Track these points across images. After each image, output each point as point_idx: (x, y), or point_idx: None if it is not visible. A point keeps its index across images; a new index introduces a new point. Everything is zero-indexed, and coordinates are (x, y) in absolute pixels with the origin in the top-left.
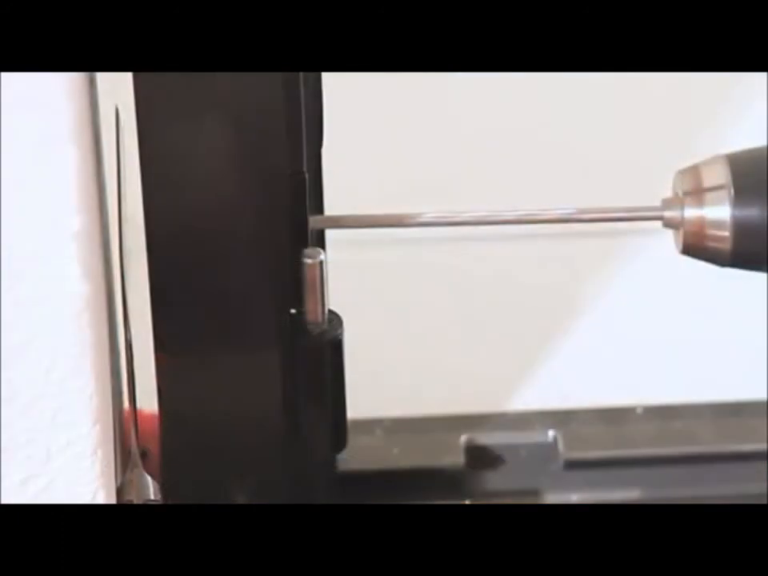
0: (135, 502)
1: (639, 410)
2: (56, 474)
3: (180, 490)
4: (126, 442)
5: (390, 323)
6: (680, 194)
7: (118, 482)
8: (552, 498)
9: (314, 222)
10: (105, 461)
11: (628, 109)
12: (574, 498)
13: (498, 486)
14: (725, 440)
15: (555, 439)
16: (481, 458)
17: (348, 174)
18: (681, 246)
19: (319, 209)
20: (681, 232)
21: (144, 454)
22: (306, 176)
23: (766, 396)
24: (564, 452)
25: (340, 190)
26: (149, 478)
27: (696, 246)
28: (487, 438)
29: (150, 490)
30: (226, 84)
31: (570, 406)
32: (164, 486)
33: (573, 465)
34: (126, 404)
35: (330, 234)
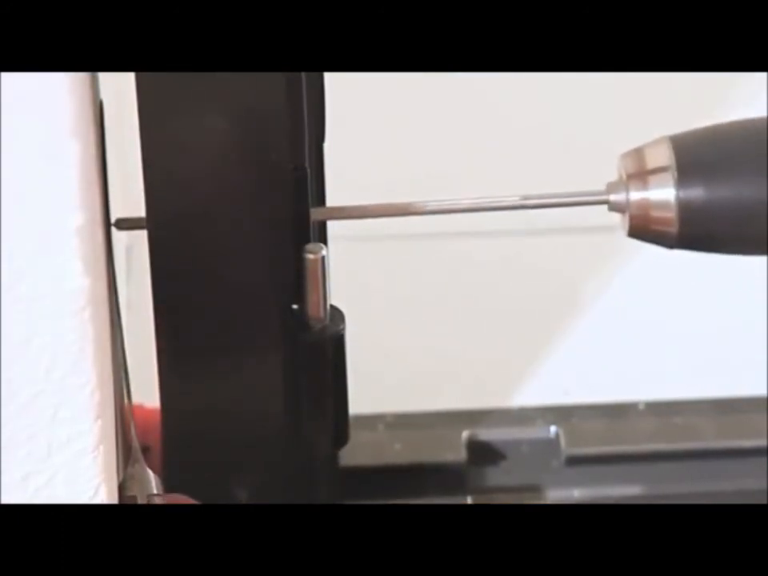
0: (138, 497)
1: (640, 406)
2: (57, 471)
3: (181, 486)
4: (128, 437)
5: (391, 319)
6: (624, 176)
7: (120, 477)
8: (553, 493)
9: (314, 213)
10: (107, 457)
11: (628, 109)
12: (576, 493)
13: (500, 482)
14: (725, 436)
15: (557, 435)
16: (482, 453)
17: (350, 170)
18: (627, 230)
19: (321, 204)
20: (626, 215)
21: (146, 450)
22: (308, 171)
23: (766, 392)
24: (565, 448)
25: (342, 187)
26: (151, 473)
27: (642, 229)
28: (489, 434)
29: (153, 485)
30: (228, 80)
31: (571, 402)
32: (165, 483)
33: (574, 460)
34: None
35: (332, 230)
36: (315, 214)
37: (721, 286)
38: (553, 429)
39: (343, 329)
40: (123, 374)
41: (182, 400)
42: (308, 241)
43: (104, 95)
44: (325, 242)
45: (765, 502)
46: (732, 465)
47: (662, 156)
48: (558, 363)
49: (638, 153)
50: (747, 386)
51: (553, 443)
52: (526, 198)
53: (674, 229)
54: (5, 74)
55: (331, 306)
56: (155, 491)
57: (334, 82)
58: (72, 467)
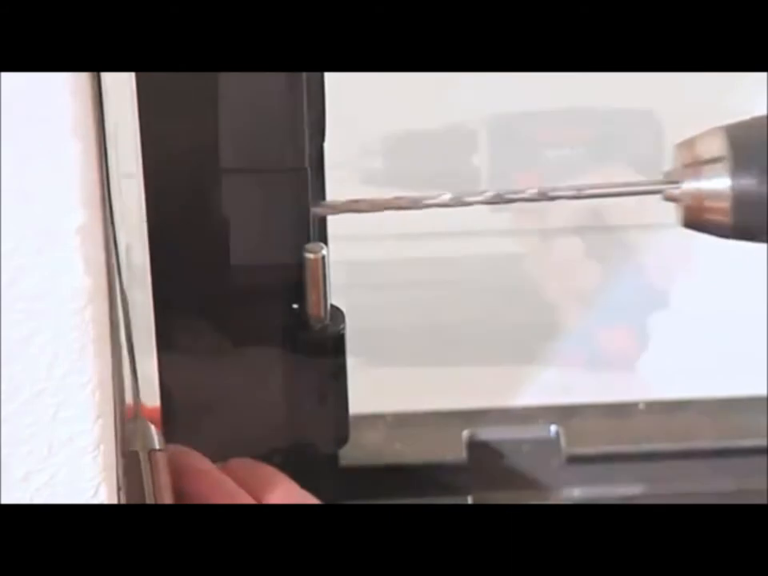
0: (140, 452)
1: (641, 406)
2: (57, 470)
3: None
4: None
5: (391, 319)
6: (679, 167)
7: (120, 478)
8: (554, 493)
9: (314, 209)
10: (107, 457)
11: (627, 109)
12: (576, 493)
13: (500, 481)
14: (726, 435)
15: (557, 434)
16: (483, 453)
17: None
18: (682, 220)
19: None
20: (681, 205)
21: None
22: (309, 170)
23: (766, 392)
24: (566, 447)
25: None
26: (153, 428)
27: (696, 219)
28: (489, 433)
29: (155, 440)
30: (228, 79)
31: (572, 401)
32: None
33: (575, 460)
34: (128, 399)
35: (332, 230)
36: (314, 209)
37: (720, 286)
38: (553, 428)
39: (343, 329)
40: (132, 374)
41: (182, 399)
42: (308, 240)
43: (104, 95)
44: (325, 241)
45: (765, 501)
46: (732, 465)
47: (717, 146)
48: (558, 363)
49: (692, 143)
50: (747, 386)
51: (553, 442)
52: (579, 189)
53: (728, 219)
54: (5, 74)
55: (331, 305)
56: (157, 446)
57: (334, 81)
58: (72, 466)
